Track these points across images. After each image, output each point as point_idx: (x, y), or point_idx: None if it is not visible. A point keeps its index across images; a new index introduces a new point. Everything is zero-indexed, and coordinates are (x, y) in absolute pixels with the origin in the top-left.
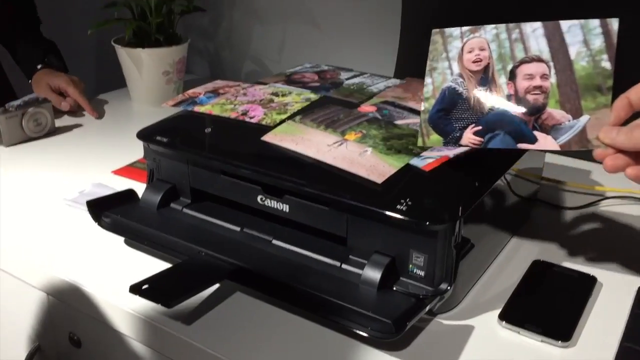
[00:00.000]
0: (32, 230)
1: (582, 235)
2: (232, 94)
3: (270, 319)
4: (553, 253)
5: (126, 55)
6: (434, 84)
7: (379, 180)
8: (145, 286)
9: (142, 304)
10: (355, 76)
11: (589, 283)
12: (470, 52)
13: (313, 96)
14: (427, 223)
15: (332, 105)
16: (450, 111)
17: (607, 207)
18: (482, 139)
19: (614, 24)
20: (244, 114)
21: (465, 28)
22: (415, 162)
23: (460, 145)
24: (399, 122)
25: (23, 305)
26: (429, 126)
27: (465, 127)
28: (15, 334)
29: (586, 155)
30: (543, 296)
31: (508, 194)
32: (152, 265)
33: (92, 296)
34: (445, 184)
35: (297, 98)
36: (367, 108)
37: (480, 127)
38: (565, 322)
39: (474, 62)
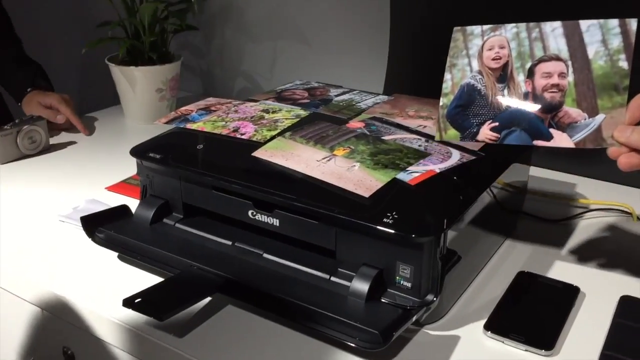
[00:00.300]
0: (26, 246)
1: (566, 246)
2: (224, 111)
3: (261, 331)
4: (538, 264)
5: (120, 74)
6: (453, 80)
7: (366, 194)
8: (138, 300)
9: (135, 317)
10: (344, 93)
11: (572, 293)
12: (490, 49)
13: (303, 113)
14: (413, 236)
15: (322, 122)
16: (468, 107)
17: (590, 219)
18: (498, 135)
19: (633, 24)
20: (235, 130)
21: (486, 26)
22: (401, 176)
23: (477, 141)
24: (386, 137)
25: (17, 320)
26: (447, 121)
27: (482, 123)
28: (9, 348)
29: (570, 168)
30: (528, 306)
31: (494, 207)
32: (145, 280)
33: (85, 310)
34: (430, 198)
35: (287, 115)
36: (355, 124)
37: (497, 124)
38: (549, 331)
39: (494, 59)
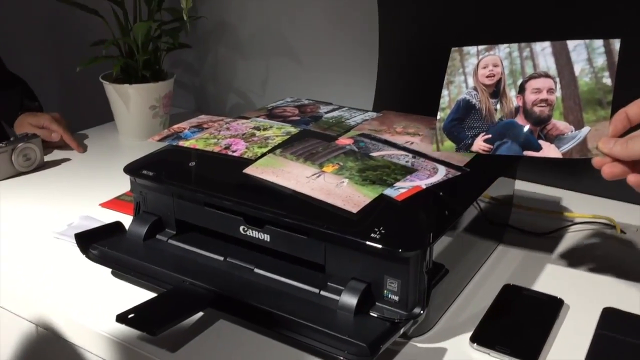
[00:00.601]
0: (21, 263)
1: (551, 259)
2: (216, 129)
3: (252, 344)
4: (523, 277)
5: (114, 91)
6: (450, 95)
7: (354, 210)
8: (131, 315)
9: (129, 333)
10: (334, 110)
11: (556, 305)
12: (484, 67)
13: (293, 130)
14: (399, 250)
15: (311, 139)
16: (464, 120)
17: (574, 232)
18: (491, 146)
19: (616, 44)
20: (227, 147)
21: (481, 47)
22: (388, 192)
23: (472, 152)
24: (374, 154)
25: (12, 337)
26: (443, 134)
27: (476, 135)
28: None
29: (556, 182)
30: (513, 318)
31: (480, 221)
32: (138, 295)
33: (79, 326)
34: (416, 213)
35: (278, 132)
36: (344, 141)
37: (490, 136)
38: (533, 343)
39: (488, 76)
